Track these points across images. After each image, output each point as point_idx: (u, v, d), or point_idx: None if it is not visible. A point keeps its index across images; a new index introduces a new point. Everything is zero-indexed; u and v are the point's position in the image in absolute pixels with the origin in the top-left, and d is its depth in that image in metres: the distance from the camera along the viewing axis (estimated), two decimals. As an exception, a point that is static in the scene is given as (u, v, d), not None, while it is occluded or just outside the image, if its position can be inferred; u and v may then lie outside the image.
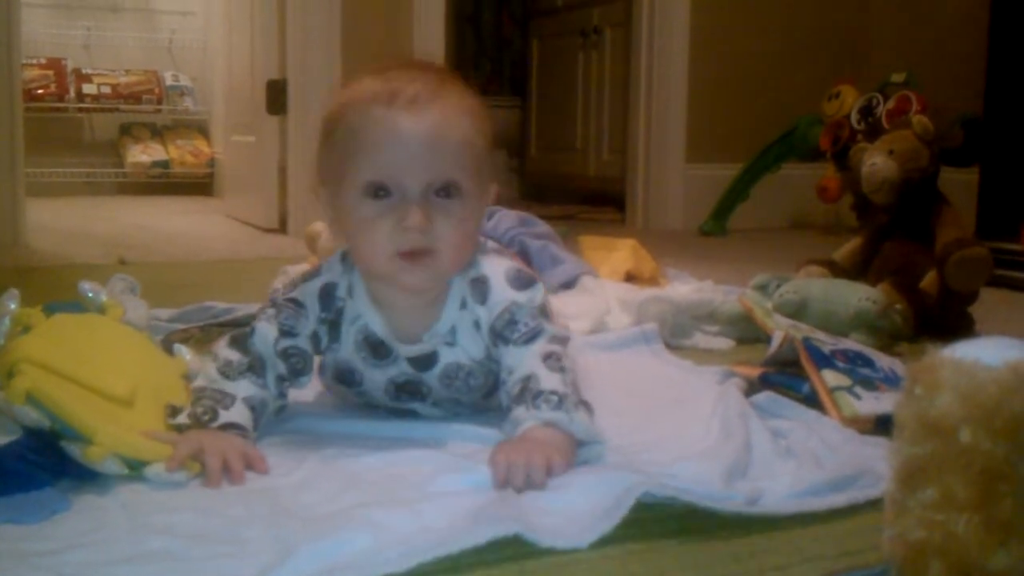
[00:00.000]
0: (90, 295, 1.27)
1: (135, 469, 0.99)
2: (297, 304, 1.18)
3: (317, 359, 1.22)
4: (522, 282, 1.17)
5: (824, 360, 1.32)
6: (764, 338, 1.60)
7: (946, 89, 3.06)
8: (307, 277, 1.20)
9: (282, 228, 3.54)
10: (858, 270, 2.03)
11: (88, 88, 5.13)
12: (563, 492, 0.94)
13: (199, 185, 5.32)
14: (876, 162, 1.96)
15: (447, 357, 1.18)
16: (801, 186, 3.68)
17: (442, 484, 0.98)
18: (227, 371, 1.13)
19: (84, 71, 5.17)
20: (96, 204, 4.69)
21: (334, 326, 1.19)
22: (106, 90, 5.17)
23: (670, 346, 1.69)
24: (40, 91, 4.98)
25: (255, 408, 1.11)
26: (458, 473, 1.00)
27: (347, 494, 0.95)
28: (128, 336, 1.25)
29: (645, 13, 3.88)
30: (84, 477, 0.97)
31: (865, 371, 1.32)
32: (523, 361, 1.11)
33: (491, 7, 5.83)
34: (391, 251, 1.09)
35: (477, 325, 1.17)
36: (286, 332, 1.16)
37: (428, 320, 1.17)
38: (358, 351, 1.18)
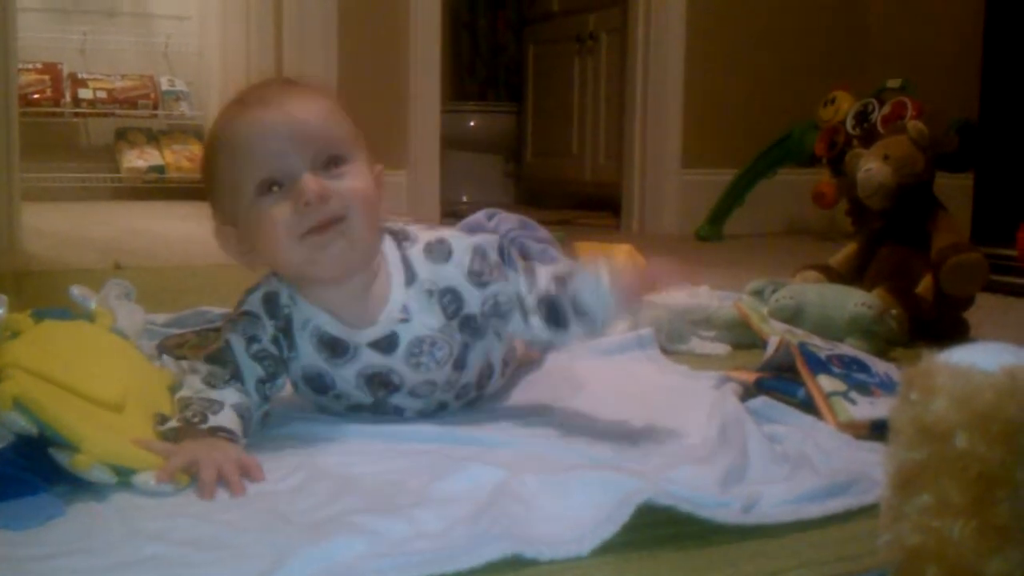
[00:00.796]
0: (80, 301, 1.27)
1: (123, 476, 0.98)
2: (250, 315, 1.19)
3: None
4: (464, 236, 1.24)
5: (820, 365, 1.32)
6: (760, 343, 1.60)
7: (941, 94, 3.07)
8: (249, 290, 1.21)
9: (278, 233, 3.54)
10: (854, 275, 2.03)
11: (84, 93, 5.13)
12: (563, 497, 0.93)
13: (195, 190, 5.30)
14: (871, 167, 1.96)
15: (406, 334, 1.18)
16: (797, 191, 3.68)
17: (438, 489, 0.97)
18: (211, 381, 1.13)
19: (80, 76, 5.16)
20: (92, 209, 4.69)
21: (286, 334, 1.19)
22: (102, 95, 5.16)
23: (666, 351, 1.69)
24: (36, 96, 4.97)
25: (243, 416, 1.11)
26: (454, 476, 1.00)
27: (342, 500, 0.95)
28: (117, 344, 1.25)
29: (641, 18, 3.89)
30: (78, 482, 0.96)
31: (861, 376, 1.32)
32: (522, 289, 1.20)
33: (487, 13, 5.83)
34: (298, 234, 1.10)
35: (430, 293, 1.18)
36: (251, 338, 1.17)
37: (376, 305, 1.17)
38: (318, 352, 1.18)
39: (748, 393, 1.36)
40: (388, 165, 3.75)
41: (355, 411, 1.23)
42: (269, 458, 1.08)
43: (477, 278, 1.19)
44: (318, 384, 1.21)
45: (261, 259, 1.17)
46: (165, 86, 5.34)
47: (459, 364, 1.22)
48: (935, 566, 0.70)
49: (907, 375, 0.74)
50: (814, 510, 0.95)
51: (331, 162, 1.12)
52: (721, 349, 1.76)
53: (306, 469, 1.05)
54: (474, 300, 1.19)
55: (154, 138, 5.38)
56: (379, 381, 1.20)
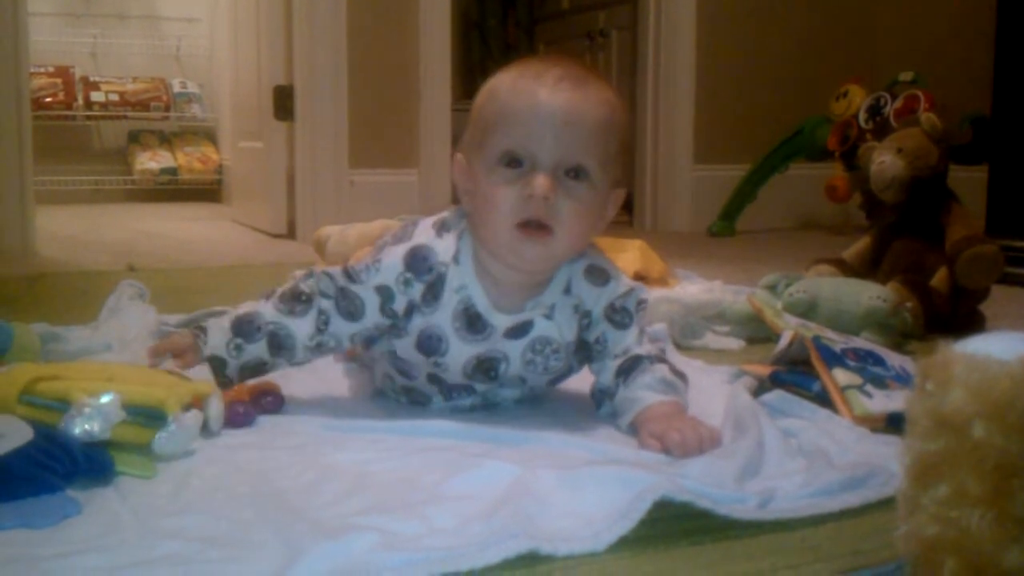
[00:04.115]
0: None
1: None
2: (383, 288, 1.21)
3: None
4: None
5: (835, 359, 1.32)
6: (774, 338, 1.59)
7: (954, 87, 3.06)
8: (396, 239, 1.24)
9: (290, 233, 3.55)
10: (868, 269, 2.02)
11: (96, 96, 5.15)
12: (579, 493, 0.93)
13: (207, 192, 5.33)
14: (885, 160, 1.96)
15: (541, 328, 1.22)
16: (809, 186, 3.67)
17: (452, 486, 0.97)
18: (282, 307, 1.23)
19: (92, 79, 5.19)
20: (105, 211, 4.71)
21: (432, 289, 1.20)
22: (114, 98, 5.18)
23: (680, 346, 1.69)
24: (48, 99, 5.00)
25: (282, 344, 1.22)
26: (468, 473, 1.00)
27: (356, 497, 0.95)
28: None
29: (651, 15, 3.88)
30: (95, 481, 0.97)
31: (876, 369, 1.31)
32: (629, 342, 1.24)
33: (497, 13, 5.83)
34: (512, 221, 1.14)
35: (576, 308, 1.23)
36: (419, 268, 1.20)
37: (529, 295, 1.21)
38: (454, 320, 1.20)
39: (763, 387, 1.36)
40: (399, 164, 3.76)
41: (408, 393, 1.28)
42: (286, 454, 1.08)
43: (611, 314, 1.24)
44: (429, 347, 1.22)
45: (475, 211, 1.19)
46: (177, 88, 5.36)
47: (556, 380, 1.29)
48: (953, 557, 0.69)
49: (923, 366, 0.74)
50: (831, 504, 0.95)
51: (575, 171, 1.14)
52: (735, 344, 1.76)
53: (320, 466, 1.05)
54: (596, 330, 1.24)
55: (166, 140, 5.40)
56: (486, 367, 1.23)
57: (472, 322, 1.20)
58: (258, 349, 1.23)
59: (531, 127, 1.12)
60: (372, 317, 1.21)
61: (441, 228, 1.23)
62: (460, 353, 1.21)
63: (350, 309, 1.21)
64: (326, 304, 1.22)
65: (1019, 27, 2.69)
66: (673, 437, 1.09)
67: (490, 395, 1.27)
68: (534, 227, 1.13)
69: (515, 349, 1.22)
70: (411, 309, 1.21)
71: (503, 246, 1.16)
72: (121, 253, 3.08)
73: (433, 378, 1.25)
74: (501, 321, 1.20)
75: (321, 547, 0.81)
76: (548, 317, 1.22)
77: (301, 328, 1.22)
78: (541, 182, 1.11)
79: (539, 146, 1.12)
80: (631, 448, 1.13)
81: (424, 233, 1.22)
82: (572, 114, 1.13)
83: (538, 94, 1.13)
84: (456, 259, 1.20)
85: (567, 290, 1.22)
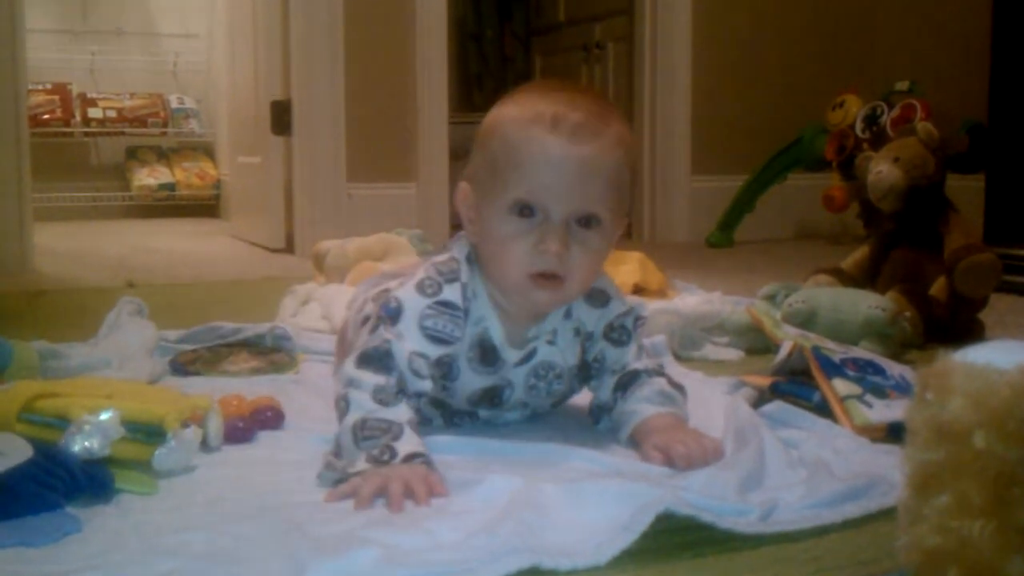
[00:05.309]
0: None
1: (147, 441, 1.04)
2: (450, 306, 1.17)
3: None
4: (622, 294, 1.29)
5: (834, 369, 1.32)
6: (774, 349, 1.59)
7: (950, 96, 3.07)
8: (447, 277, 1.18)
9: (289, 248, 3.55)
10: (866, 278, 2.02)
11: (94, 112, 5.15)
12: (581, 506, 0.93)
13: (206, 207, 5.33)
14: (882, 170, 1.96)
15: (543, 354, 1.22)
16: (807, 196, 3.67)
17: (454, 500, 0.97)
18: (383, 397, 1.09)
19: (89, 95, 5.19)
20: (103, 227, 4.71)
21: (460, 326, 1.18)
22: (111, 114, 5.19)
23: (679, 358, 1.69)
24: (46, 116, 5.00)
25: (417, 431, 1.08)
26: (470, 487, 0.99)
27: (358, 513, 0.95)
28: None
29: (647, 26, 3.89)
30: (95, 498, 0.97)
31: (876, 379, 1.31)
32: (628, 358, 1.24)
33: (494, 24, 5.84)
34: (524, 270, 1.13)
35: (577, 332, 1.23)
36: (439, 340, 1.15)
37: (532, 324, 1.21)
38: (469, 349, 1.19)
39: (763, 398, 1.36)
40: (397, 177, 3.76)
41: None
42: (291, 470, 1.08)
43: (609, 332, 1.24)
44: (440, 370, 1.19)
45: (484, 250, 1.17)
46: (174, 104, 5.36)
47: (558, 403, 1.29)
48: (955, 567, 0.69)
49: (922, 375, 0.74)
50: (832, 515, 0.95)
51: (587, 219, 1.13)
52: (734, 355, 1.76)
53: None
54: (595, 349, 1.24)
55: (164, 156, 5.40)
56: (490, 396, 1.23)
57: (486, 354, 1.19)
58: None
59: (545, 179, 1.11)
60: (429, 370, 1.16)
61: (447, 277, 1.17)
62: (469, 382, 1.21)
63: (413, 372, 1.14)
64: (394, 380, 1.11)
65: (1015, 36, 2.70)
66: (678, 450, 1.09)
67: (493, 420, 1.26)
68: (547, 277, 1.13)
69: (519, 375, 1.22)
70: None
71: (514, 292, 1.16)
72: (120, 269, 3.08)
73: (437, 402, 1.24)
74: (512, 356, 1.20)
75: (324, 562, 0.80)
76: (551, 343, 1.22)
77: (402, 412, 1.09)
78: (554, 239, 1.11)
79: (553, 199, 1.11)
80: (633, 461, 1.13)
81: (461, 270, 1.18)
82: (587, 167, 1.11)
83: (553, 145, 1.10)
84: (475, 294, 1.18)
85: (567, 314, 1.22)
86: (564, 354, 1.22)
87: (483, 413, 1.25)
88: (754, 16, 3.94)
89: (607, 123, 1.14)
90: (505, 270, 1.15)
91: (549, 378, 1.23)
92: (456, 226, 3.81)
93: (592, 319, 1.23)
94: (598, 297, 1.24)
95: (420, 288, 1.17)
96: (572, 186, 1.11)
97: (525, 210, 1.12)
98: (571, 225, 1.12)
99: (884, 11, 4.03)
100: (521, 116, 1.14)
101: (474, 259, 1.20)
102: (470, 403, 1.23)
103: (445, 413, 1.25)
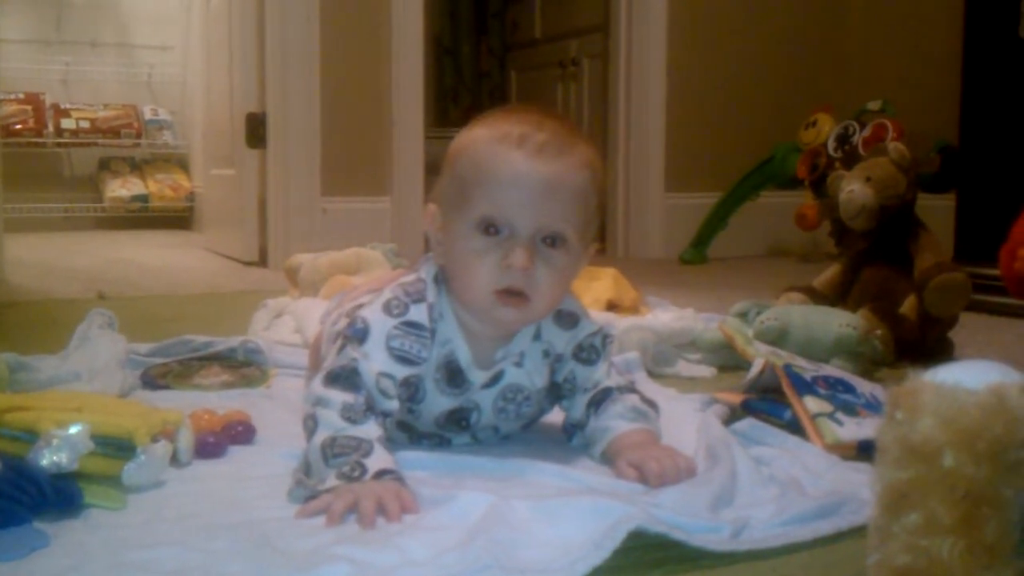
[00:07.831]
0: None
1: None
2: (416, 327, 1.16)
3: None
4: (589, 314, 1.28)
5: (805, 386, 1.32)
6: (746, 366, 1.60)
7: (922, 116, 3.09)
8: (414, 297, 1.18)
9: (262, 261, 3.54)
10: (838, 296, 2.04)
11: (66, 123, 5.12)
12: (553, 523, 0.93)
13: (178, 219, 5.31)
14: (854, 189, 1.97)
15: (511, 377, 1.21)
16: (779, 214, 3.69)
17: (426, 516, 0.97)
18: (351, 415, 1.08)
19: (62, 106, 5.16)
20: (75, 239, 4.67)
21: (427, 345, 1.18)
22: (84, 125, 5.16)
23: (652, 374, 1.69)
24: (18, 126, 4.96)
25: (387, 447, 1.07)
26: (442, 504, 0.99)
27: (329, 529, 0.95)
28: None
29: (623, 44, 3.91)
30: (64, 513, 0.96)
31: (846, 397, 1.32)
32: (599, 376, 1.24)
33: (470, 40, 5.86)
34: (489, 287, 1.13)
35: (546, 354, 1.22)
36: (406, 360, 1.15)
37: (499, 346, 1.20)
38: (436, 371, 1.19)
39: (735, 415, 1.36)
40: (371, 192, 3.75)
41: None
42: (263, 486, 1.07)
43: (578, 352, 1.24)
44: (405, 392, 1.18)
45: (450, 269, 1.17)
46: (148, 115, 5.34)
47: (528, 425, 1.28)
48: (924, 586, 0.69)
49: (893, 394, 0.74)
50: (803, 532, 0.95)
51: (552, 238, 1.13)
52: (707, 372, 1.77)
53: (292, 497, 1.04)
54: (564, 370, 1.24)
55: (137, 167, 5.38)
56: (456, 418, 1.22)
57: (452, 375, 1.19)
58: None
59: (511, 195, 1.11)
60: (396, 390, 1.15)
61: (414, 297, 1.17)
62: (436, 404, 1.20)
63: (381, 391, 1.13)
64: (363, 399, 1.11)
65: (986, 56, 2.73)
66: (651, 467, 1.09)
67: (463, 446, 1.25)
68: (512, 294, 1.13)
69: (486, 399, 1.21)
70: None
71: (480, 310, 1.16)
72: (91, 281, 3.06)
73: (403, 425, 1.23)
74: (478, 377, 1.20)
75: (293, 579, 0.80)
76: (518, 365, 1.21)
77: (371, 429, 1.08)
78: (520, 254, 1.10)
79: (518, 215, 1.11)
80: (606, 477, 1.13)
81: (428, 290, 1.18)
82: (553, 183, 1.11)
83: (519, 161, 1.11)
84: (441, 315, 1.18)
85: (537, 336, 1.22)
86: (531, 376, 1.22)
87: (455, 439, 1.24)
88: (729, 35, 3.97)
89: (574, 144, 1.14)
90: (471, 287, 1.14)
91: (518, 400, 1.22)
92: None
93: (562, 341, 1.23)
94: (567, 319, 1.23)
95: (387, 308, 1.17)
96: (537, 202, 1.11)
97: (491, 228, 1.12)
98: (537, 243, 1.12)
99: (857, 32, 4.07)
100: (489, 136, 1.14)
101: (442, 280, 1.19)
102: (437, 426, 1.22)
103: (412, 436, 1.24)
